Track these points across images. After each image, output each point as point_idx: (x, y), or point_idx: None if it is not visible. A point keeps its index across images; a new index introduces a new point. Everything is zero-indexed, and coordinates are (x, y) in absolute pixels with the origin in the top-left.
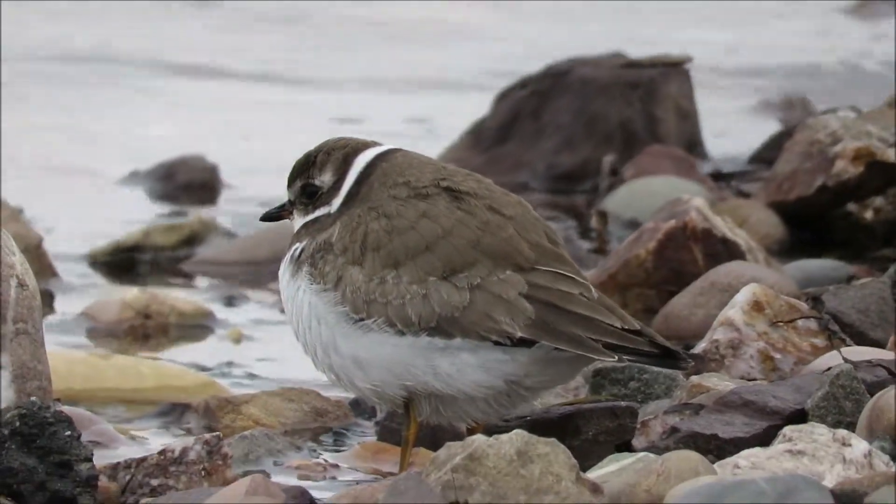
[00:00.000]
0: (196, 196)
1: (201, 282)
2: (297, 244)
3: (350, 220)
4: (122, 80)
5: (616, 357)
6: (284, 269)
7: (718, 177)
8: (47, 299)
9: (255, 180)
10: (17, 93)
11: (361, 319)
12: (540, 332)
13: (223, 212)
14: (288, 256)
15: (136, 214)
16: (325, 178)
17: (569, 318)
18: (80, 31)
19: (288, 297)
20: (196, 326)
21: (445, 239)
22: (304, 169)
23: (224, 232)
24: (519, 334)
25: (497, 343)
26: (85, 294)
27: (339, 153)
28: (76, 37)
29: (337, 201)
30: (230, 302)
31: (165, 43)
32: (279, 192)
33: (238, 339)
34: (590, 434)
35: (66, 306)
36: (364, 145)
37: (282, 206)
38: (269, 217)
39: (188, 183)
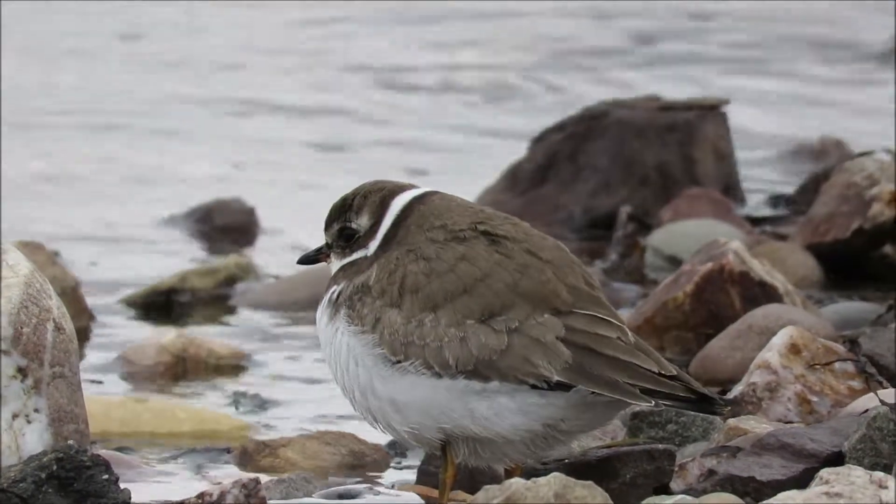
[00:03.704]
0: (233, 238)
1: (239, 324)
2: (335, 286)
3: (388, 263)
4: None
5: (653, 402)
6: (322, 312)
7: (755, 220)
8: (84, 342)
9: (292, 223)
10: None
11: (399, 362)
12: (577, 377)
13: (260, 254)
14: (325, 299)
15: (172, 257)
16: (361, 222)
17: (606, 362)
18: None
19: (326, 340)
20: (233, 368)
21: (483, 282)
22: (342, 212)
23: (261, 275)
24: (556, 378)
25: (534, 387)
26: (122, 337)
27: (375, 196)
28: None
29: (374, 244)
30: (267, 344)
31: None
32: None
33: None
34: (627, 477)
35: (103, 349)
36: (400, 188)
37: (319, 250)
38: (306, 260)
39: (225, 226)
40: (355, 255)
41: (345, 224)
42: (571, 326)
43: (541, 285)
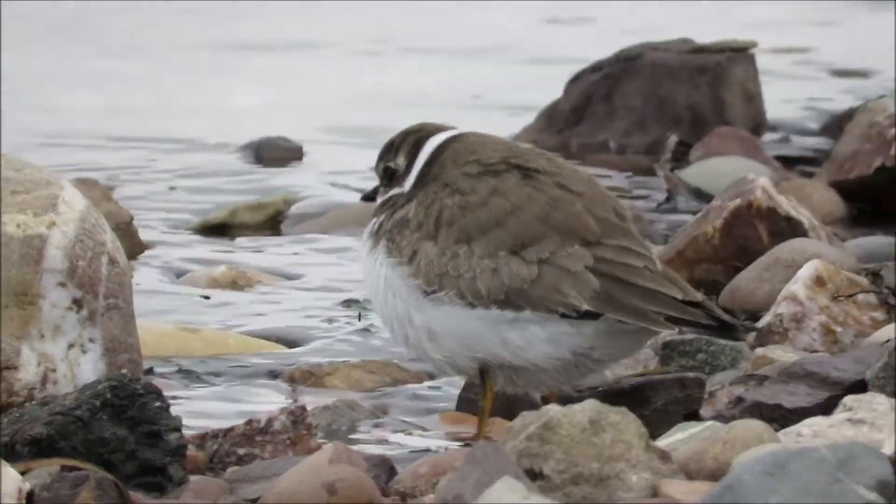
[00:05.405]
0: (280, 173)
1: (286, 256)
2: (376, 219)
3: (426, 198)
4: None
5: (676, 329)
6: (364, 243)
7: (782, 158)
8: (138, 272)
9: (336, 154)
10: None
11: (434, 292)
12: (604, 305)
13: (306, 188)
14: (367, 230)
15: (224, 192)
16: (399, 161)
17: (632, 291)
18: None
19: (366, 270)
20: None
21: (515, 214)
22: (385, 152)
23: (308, 209)
24: (584, 307)
25: (564, 315)
26: (176, 268)
27: (412, 137)
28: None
29: (409, 182)
30: (315, 274)
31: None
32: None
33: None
34: (659, 404)
35: (158, 278)
36: (438, 129)
37: (376, 188)
38: (367, 197)
39: (273, 160)
40: (393, 192)
41: (387, 164)
42: (600, 257)
43: (570, 217)
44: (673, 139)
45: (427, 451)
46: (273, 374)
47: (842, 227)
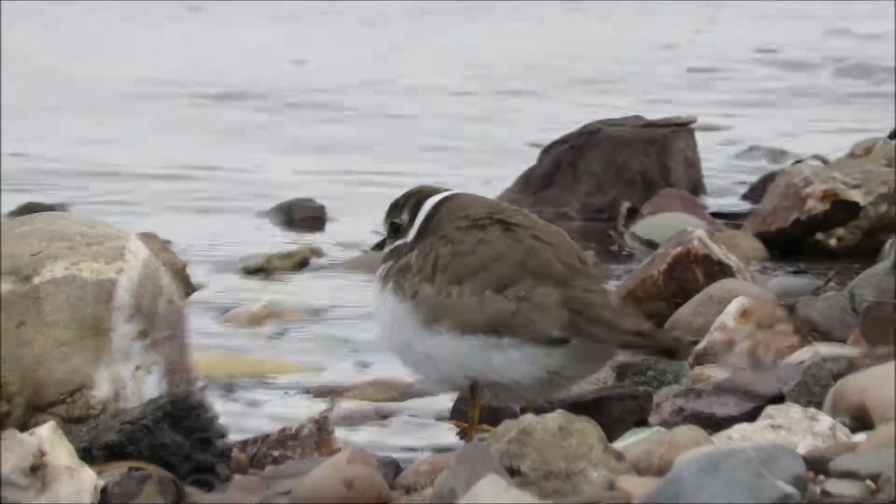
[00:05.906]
0: (307, 228)
1: (313, 293)
2: (384, 265)
3: (424, 247)
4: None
5: (630, 352)
6: (375, 285)
7: (716, 213)
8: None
9: (354, 214)
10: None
11: (432, 324)
12: (572, 333)
13: (329, 240)
14: (377, 274)
15: (261, 243)
16: (403, 217)
17: (594, 321)
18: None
19: (376, 307)
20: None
21: (498, 261)
22: (392, 210)
23: (330, 257)
24: (555, 334)
25: (539, 342)
26: (223, 304)
27: (413, 198)
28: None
29: (411, 234)
30: (339, 312)
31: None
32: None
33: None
34: (615, 413)
35: (207, 314)
36: (434, 191)
37: (384, 240)
38: (377, 247)
39: (301, 218)
40: (399, 242)
41: (393, 220)
42: (568, 295)
43: (543, 263)
44: (625, 206)
45: (426, 452)
46: (302, 391)
47: (764, 270)
